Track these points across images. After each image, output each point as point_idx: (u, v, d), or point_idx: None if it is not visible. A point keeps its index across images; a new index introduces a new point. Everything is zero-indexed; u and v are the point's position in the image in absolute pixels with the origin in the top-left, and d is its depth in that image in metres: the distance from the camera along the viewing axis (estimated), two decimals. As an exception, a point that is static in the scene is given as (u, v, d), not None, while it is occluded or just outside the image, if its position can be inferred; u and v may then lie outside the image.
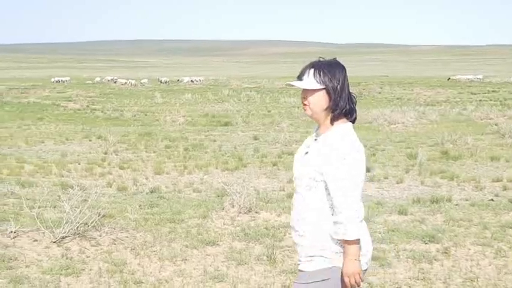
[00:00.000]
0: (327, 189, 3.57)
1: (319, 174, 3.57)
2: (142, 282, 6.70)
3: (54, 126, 27.78)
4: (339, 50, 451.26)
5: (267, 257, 7.54)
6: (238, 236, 8.51)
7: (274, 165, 15.86)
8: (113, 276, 6.84)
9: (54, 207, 9.64)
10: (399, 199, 11.65)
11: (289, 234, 8.73)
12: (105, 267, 7.06)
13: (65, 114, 34.99)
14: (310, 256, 3.64)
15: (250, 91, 53.13)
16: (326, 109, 3.65)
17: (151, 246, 7.93)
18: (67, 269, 6.92)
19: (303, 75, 3.68)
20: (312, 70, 3.65)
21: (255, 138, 22.19)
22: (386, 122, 27.30)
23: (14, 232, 7.91)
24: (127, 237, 8.28)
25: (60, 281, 6.65)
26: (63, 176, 14.12)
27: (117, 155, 18.10)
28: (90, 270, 6.99)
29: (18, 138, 22.15)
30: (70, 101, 44.78)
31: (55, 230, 7.83)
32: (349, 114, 3.68)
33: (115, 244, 7.94)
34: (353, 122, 3.72)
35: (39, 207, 8.76)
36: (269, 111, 35.98)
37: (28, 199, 10.15)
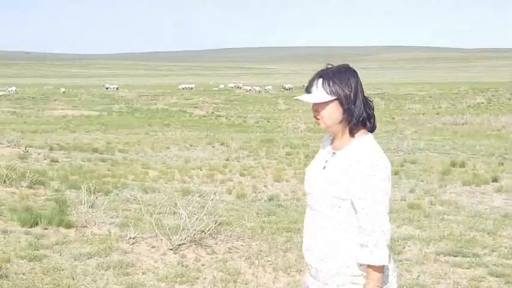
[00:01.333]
0: (352, 208, 3.19)
1: (344, 192, 3.18)
2: (255, 293, 6.64)
3: (180, 133, 28.46)
4: (467, 55, 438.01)
5: (385, 270, 7.29)
6: (355, 248, 8.29)
7: (395, 173, 15.46)
8: (226, 285, 6.83)
9: (174, 213, 9.78)
10: (528, 212, 11.03)
11: (408, 246, 8.46)
12: (219, 276, 7.06)
13: (191, 121, 35.80)
14: (340, 286, 3.26)
15: (374, 97, 52.43)
16: (341, 121, 3.24)
17: (266, 256, 7.86)
18: (182, 276, 6.97)
19: (311, 86, 3.29)
20: (321, 80, 3.24)
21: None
22: (516, 129, 26.15)
23: (133, 238, 8.07)
24: (242, 245, 8.26)
25: (175, 289, 6.71)
26: (185, 182, 14.39)
27: (238, 161, 18.27)
28: (205, 278, 7.01)
29: (145, 144, 22.84)
30: (196, 107, 45.89)
31: (172, 237, 7.91)
32: (368, 121, 3.29)
33: (230, 253, 7.94)
34: (372, 131, 3.32)
35: (158, 214, 8.92)
36: (393, 118, 35.37)
37: (149, 205, 10.39)
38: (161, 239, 8.01)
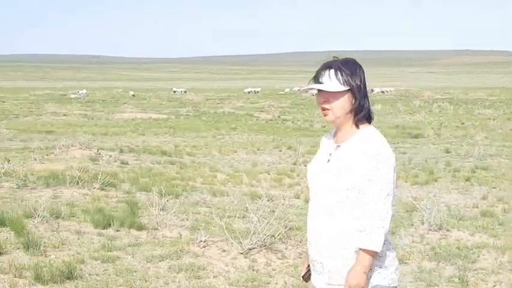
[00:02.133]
0: (357, 198, 3.18)
1: (350, 183, 3.18)
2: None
3: (247, 136, 28.54)
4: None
5: (459, 279, 7.14)
6: (427, 255, 8.15)
7: (467, 180, 15.15)
8: (297, 291, 6.78)
9: (243, 217, 9.80)
10: None
11: (483, 255, 8.24)
12: (290, 282, 7.02)
13: (257, 125, 35.85)
14: (346, 277, 3.23)
15: (443, 102, 51.65)
16: (349, 112, 3.29)
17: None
18: (253, 281, 6.96)
19: (322, 76, 3.28)
20: (332, 71, 3.25)
21: (447, 151, 21.39)
22: None
23: (204, 241, 8.11)
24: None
25: (246, 293, 6.71)
26: (253, 186, 14.41)
27: (305, 165, 18.15)
28: (276, 284, 6.99)
29: (212, 147, 22.99)
30: (262, 111, 45.94)
31: (243, 241, 7.91)
32: (369, 114, 3.33)
33: (301, 258, 7.89)
34: (370, 122, 3.35)
35: (228, 217, 8.95)
36: (462, 123, 34.67)
37: (218, 208, 10.44)
38: (231, 243, 8.02)
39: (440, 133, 28.47)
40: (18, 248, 7.79)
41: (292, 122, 36.80)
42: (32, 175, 13.61)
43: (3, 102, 55.86)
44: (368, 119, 3.34)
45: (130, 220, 9.28)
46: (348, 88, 3.23)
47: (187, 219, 9.80)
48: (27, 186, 12.40)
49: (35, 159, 16.92)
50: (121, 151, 20.31)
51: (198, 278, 6.98)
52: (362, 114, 3.29)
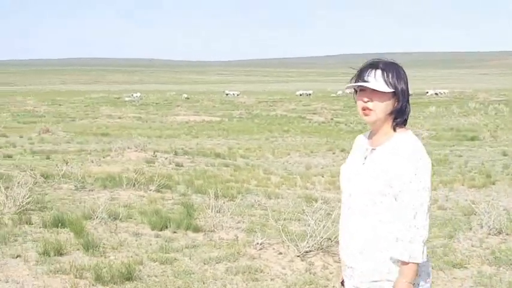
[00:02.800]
0: (392, 203, 3.09)
1: (386, 187, 3.08)
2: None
3: (300, 139, 28.49)
4: None
5: (520, 284, 6.98)
6: (487, 260, 7.98)
7: (528, 185, 14.84)
8: (355, 295, 6.72)
9: (299, 220, 9.78)
10: None
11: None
12: (347, 285, 6.97)
13: (310, 127, 35.76)
14: (375, 281, 3.17)
15: (499, 104, 50.68)
16: (390, 114, 3.20)
17: (395, 266, 7.70)
18: (310, 284, 6.93)
19: (367, 76, 3.18)
20: (379, 71, 3.17)
21: (504, 154, 20.95)
22: None
23: (260, 244, 8.11)
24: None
25: (303, 296, 6.68)
26: (307, 189, 14.37)
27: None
28: (333, 287, 6.95)
29: (265, 149, 23.01)
30: (315, 113, 45.82)
31: (299, 243, 7.89)
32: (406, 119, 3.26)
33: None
34: (405, 125, 3.27)
35: (284, 220, 8.94)
36: (519, 125, 33.96)
37: (274, 211, 10.43)
38: (288, 246, 8.00)
39: (497, 135, 27.91)
40: (78, 249, 7.92)
41: (345, 125, 36.59)
42: (90, 177, 13.83)
43: (60, 105, 57.00)
44: (405, 123, 3.28)
45: (187, 222, 9.35)
46: (392, 90, 3.16)
47: (243, 222, 9.83)
48: (85, 188, 12.61)
49: (92, 162, 17.20)
50: (175, 153, 20.49)
51: (256, 281, 6.98)
52: (402, 118, 3.23)
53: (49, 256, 7.49)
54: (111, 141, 23.30)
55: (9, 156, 18.71)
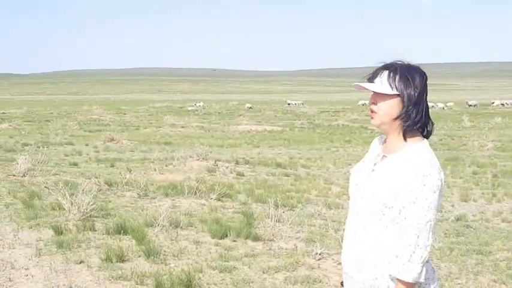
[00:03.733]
0: (396, 217, 2.93)
1: (391, 200, 2.93)
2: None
3: (361, 149, 28.27)
4: None
5: None
6: (553, 275, 7.79)
7: None
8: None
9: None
10: None
11: None
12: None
13: (372, 137, 34.96)
14: None
15: None
16: (396, 119, 3.02)
17: (456, 278, 7.60)
18: (369, 295, 6.88)
19: (375, 77, 3.06)
20: (386, 72, 3.03)
21: None
22: None
23: (319, 254, 8.10)
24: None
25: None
26: (368, 200, 14.26)
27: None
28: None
29: (327, 160, 22.94)
30: (377, 124, 45.37)
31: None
32: (425, 127, 3.05)
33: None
34: (427, 137, 3.07)
35: (343, 230, 8.89)
36: None
37: (333, 221, 10.41)
38: (347, 256, 7.95)
39: None
40: (139, 256, 8.05)
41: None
42: (152, 185, 14.05)
43: (125, 114, 57.98)
44: (425, 133, 3.09)
45: (247, 231, 9.40)
46: (397, 93, 3.00)
47: (302, 231, 9.83)
48: (147, 195, 12.81)
49: (155, 170, 17.45)
50: (237, 163, 20.63)
51: (314, 291, 6.98)
52: (408, 124, 3.01)
53: (111, 262, 7.65)
54: (174, 150, 23.59)
55: (75, 164, 19.15)
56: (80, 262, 7.72)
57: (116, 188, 13.53)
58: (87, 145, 26.68)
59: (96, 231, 9.37)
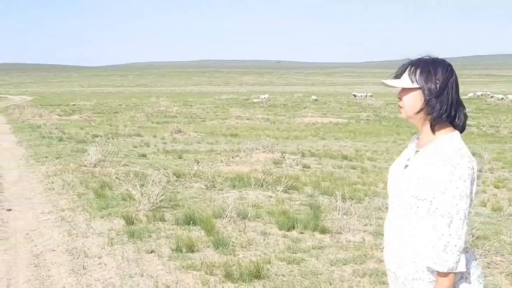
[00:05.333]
0: (430, 209, 2.94)
1: (423, 192, 2.97)
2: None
3: (429, 142, 27.89)
4: None
5: None
6: None
7: None
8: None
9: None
10: None
11: None
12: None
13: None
14: None
15: None
16: (419, 112, 3.10)
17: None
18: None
19: (402, 73, 3.15)
20: (409, 67, 3.12)
21: None
22: None
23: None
24: (502, 261, 7.91)
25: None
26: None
27: (492, 173, 17.53)
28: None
29: (393, 152, 22.69)
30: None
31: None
32: (456, 119, 3.07)
33: (489, 268, 7.64)
34: (461, 130, 3.10)
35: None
36: None
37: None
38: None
39: None
40: (208, 247, 8.18)
41: (477, 128, 35.44)
42: (219, 177, 14.19)
43: (191, 106, 58.63)
44: (460, 126, 3.13)
45: (314, 223, 9.42)
46: (417, 86, 3.08)
47: (370, 224, 9.79)
48: (215, 187, 12.96)
49: (222, 162, 17.61)
50: (303, 155, 20.63)
51: (383, 284, 6.94)
52: (434, 116, 3.07)
53: (181, 252, 7.80)
54: (240, 142, 23.73)
55: (144, 155, 19.49)
56: (151, 252, 7.89)
57: (184, 180, 13.73)
58: (154, 137, 27.11)
59: (165, 221, 9.55)
